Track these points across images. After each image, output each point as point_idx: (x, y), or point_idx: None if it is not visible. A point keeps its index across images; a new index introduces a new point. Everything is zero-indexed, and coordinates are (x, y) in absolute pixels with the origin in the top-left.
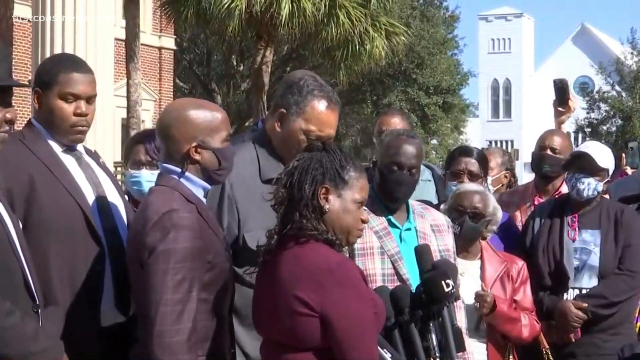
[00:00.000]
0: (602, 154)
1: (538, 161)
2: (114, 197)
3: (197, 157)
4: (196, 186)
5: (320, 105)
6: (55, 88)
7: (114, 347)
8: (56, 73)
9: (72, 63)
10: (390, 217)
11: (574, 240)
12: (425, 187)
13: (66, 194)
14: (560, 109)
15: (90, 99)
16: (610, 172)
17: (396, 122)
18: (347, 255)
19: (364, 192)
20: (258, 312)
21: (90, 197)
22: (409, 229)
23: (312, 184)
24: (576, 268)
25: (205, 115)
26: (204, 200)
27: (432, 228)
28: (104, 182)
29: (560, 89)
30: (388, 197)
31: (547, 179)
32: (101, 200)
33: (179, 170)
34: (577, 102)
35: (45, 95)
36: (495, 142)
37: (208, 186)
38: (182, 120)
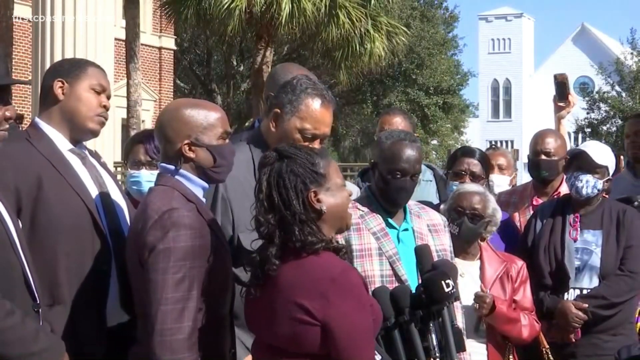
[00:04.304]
0: (599, 151)
1: (534, 168)
2: (118, 197)
3: (190, 154)
4: (195, 185)
5: (315, 103)
6: (86, 79)
7: (117, 347)
8: (85, 66)
9: (95, 63)
10: (388, 217)
11: (575, 240)
12: (427, 188)
13: (73, 194)
14: (560, 104)
15: (109, 97)
16: (611, 170)
17: (398, 122)
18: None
19: (339, 172)
20: (253, 315)
21: (96, 197)
22: (406, 230)
23: (298, 197)
24: (577, 268)
25: (199, 113)
26: (204, 200)
27: (429, 228)
28: (107, 182)
29: (561, 83)
30: (390, 202)
31: (546, 181)
32: (106, 199)
33: (173, 168)
34: (576, 99)
35: (73, 86)
36: (495, 142)
37: (207, 185)
38: (177, 119)
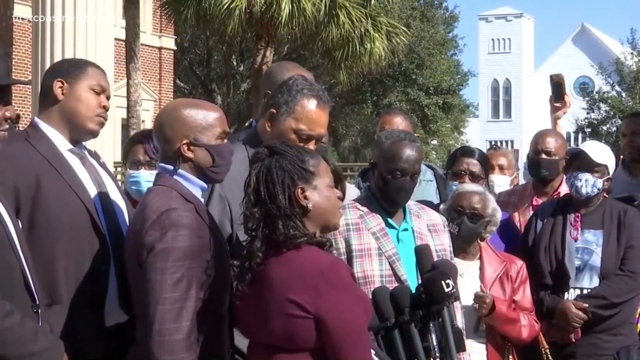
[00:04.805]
0: (597, 150)
1: (534, 167)
2: (117, 197)
3: (189, 154)
4: (194, 185)
5: (310, 104)
6: (86, 79)
7: (116, 347)
8: (85, 66)
9: (95, 64)
10: (388, 217)
11: (576, 240)
12: (427, 188)
13: (72, 193)
14: (556, 104)
15: (108, 97)
16: (611, 170)
17: (399, 122)
18: (345, 256)
19: (329, 173)
20: (245, 315)
21: (95, 197)
22: (406, 230)
23: (284, 192)
24: (578, 268)
25: (198, 113)
26: (202, 200)
27: (429, 228)
28: (107, 183)
29: (557, 84)
30: (389, 202)
31: (546, 181)
32: (105, 199)
33: (171, 168)
34: (573, 100)
35: (73, 87)
36: (495, 142)
37: (205, 185)
38: (175, 119)
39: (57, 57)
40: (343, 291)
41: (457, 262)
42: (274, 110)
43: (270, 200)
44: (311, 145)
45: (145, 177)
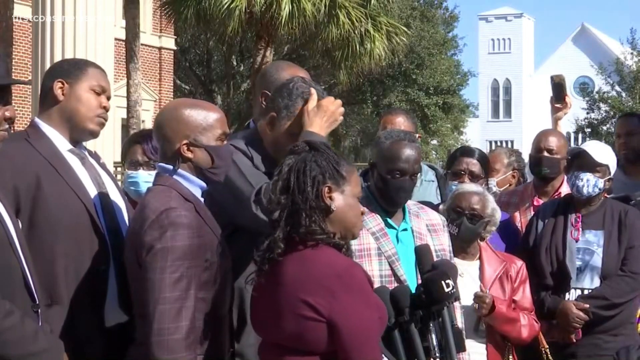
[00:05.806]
0: (599, 150)
1: (536, 164)
2: (116, 198)
3: (189, 154)
4: (193, 185)
5: None
6: (86, 80)
7: (116, 347)
8: (85, 66)
9: (95, 64)
10: (387, 218)
11: (577, 241)
12: (429, 188)
13: (71, 193)
14: (557, 105)
15: (109, 98)
16: (612, 169)
17: (400, 122)
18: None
19: (359, 186)
20: (258, 313)
21: (95, 197)
22: (405, 230)
23: (313, 185)
24: (579, 268)
25: (198, 113)
26: (202, 199)
27: (428, 228)
28: (106, 183)
29: (558, 85)
30: (389, 202)
31: (547, 180)
32: (105, 200)
33: (171, 168)
34: (573, 100)
35: (73, 87)
36: (495, 142)
37: (205, 185)
38: (175, 119)
39: (57, 57)
40: (357, 295)
41: (457, 262)
42: (274, 114)
43: (299, 191)
44: None
45: (144, 178)
